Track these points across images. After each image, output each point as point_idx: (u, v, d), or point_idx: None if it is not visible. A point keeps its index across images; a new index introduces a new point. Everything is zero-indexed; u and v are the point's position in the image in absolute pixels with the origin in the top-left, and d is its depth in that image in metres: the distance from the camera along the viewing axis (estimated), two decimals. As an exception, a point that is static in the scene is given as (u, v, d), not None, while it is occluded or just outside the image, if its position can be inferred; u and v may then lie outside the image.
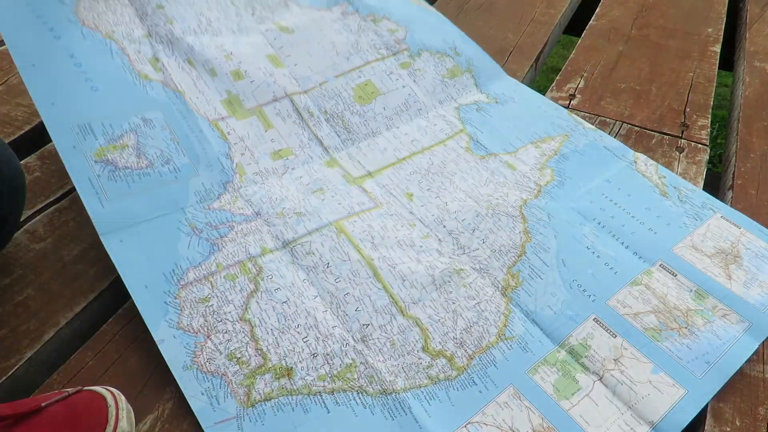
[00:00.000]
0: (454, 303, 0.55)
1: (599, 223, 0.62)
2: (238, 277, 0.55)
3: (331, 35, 0.79)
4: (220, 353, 0.50)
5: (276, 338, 0.51)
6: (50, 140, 0.71)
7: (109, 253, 0.55)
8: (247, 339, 0.51)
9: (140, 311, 0.52)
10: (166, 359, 0.49)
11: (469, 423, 0.47)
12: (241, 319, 0.52)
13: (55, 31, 0.64)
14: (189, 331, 0.51)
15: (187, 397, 0.47)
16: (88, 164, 0.59)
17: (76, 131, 0.60)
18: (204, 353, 0.50)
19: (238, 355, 0.50)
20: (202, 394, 0.48)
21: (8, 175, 0.53)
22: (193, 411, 0.47)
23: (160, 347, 0.50)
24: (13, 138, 0.73)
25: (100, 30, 0.67)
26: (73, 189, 0.65)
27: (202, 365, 0.49)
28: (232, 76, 0.71)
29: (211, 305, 0.53)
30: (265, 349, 0.51)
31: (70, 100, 0.61)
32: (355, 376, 0.49)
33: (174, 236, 0.57)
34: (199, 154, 0.64)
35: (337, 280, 0.56)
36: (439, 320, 0.53)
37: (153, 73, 0.67)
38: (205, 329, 0.51)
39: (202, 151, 0.64)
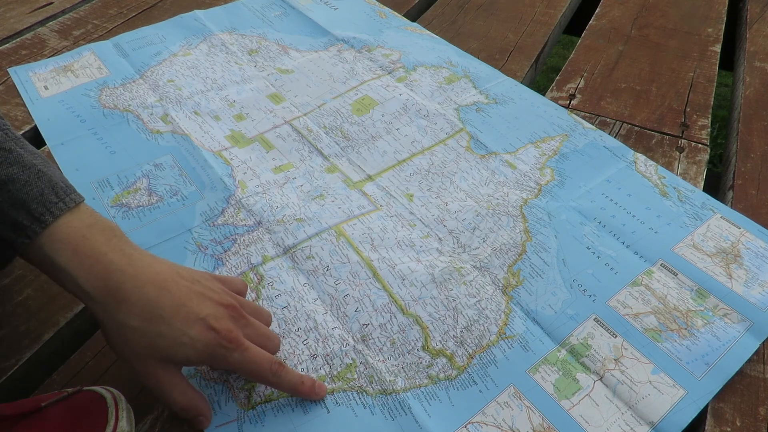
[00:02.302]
0: (454, 300, 0.55)
1: (600, 223, 0.62)
2: None
3: (329, 68, 0.84)
4: None
5: None
6: (50, 141, 0.72)
7: None
8: None
9: None
10: None
11: (470, 423, 0.47)
12: None
13: (80, 117, 0.75)
14: None
15: None
16: (105, 210, 0.62)
17: (96, 186, 0.66)
18: None
19: None
20: None
21: None
22: None
23: None
24: (13, 138, 0.73)
25: (118, 108, 0.77)
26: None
27: (205, 373, 0.49)
28: (235, 119, 0.75)
29: None
30: None
31: (90, 164, 0.69)
32: (355, 376, 0.49)
33: (181, 256, 0.58)
34: (204, 181, 0.66)
35: (337, 282, 0.56)
36: (439, 318, 0.53)
37: (163, 126, 0.74)
38: None
39: (207, 177, 0.67)
